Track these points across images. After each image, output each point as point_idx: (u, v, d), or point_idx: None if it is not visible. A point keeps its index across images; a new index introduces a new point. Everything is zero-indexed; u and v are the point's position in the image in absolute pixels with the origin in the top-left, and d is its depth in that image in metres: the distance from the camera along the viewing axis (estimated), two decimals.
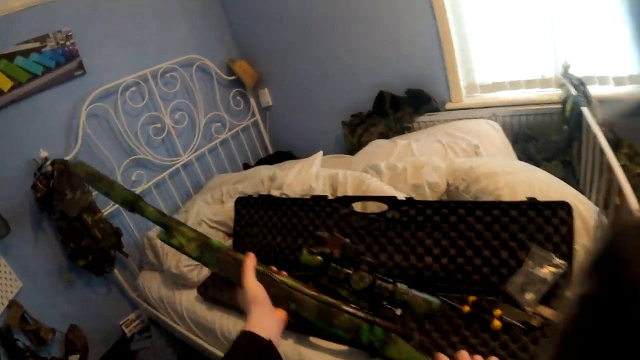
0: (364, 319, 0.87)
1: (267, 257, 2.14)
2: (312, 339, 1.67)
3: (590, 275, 0.36)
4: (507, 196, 1.67)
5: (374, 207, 1.93)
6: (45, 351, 2.27)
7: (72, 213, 2.20)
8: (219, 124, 3.16)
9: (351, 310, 0.88)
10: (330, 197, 2.05)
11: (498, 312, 1.45)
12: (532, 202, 1.57)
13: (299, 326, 1.22)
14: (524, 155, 2.37)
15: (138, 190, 2.63)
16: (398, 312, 0.92)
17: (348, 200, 1.94)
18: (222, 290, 2.06)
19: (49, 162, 2.20)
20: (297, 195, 2.14)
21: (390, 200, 1.82)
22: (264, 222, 2.19)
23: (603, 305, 0.33)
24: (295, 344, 1.71)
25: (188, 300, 2.21)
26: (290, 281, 0.93)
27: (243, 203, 2.28)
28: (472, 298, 1.54)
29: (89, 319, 2.55)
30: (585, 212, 1.57)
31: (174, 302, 2.28)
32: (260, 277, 0.91)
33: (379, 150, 2.58)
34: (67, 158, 2.30)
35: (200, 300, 2.14)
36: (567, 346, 0.36)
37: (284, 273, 0.96)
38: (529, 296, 1.48)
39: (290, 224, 2.09)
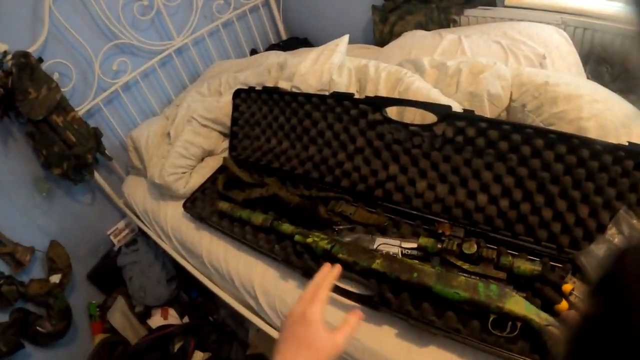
0: (479, 279, 1.07)
1: (269, 166, 1.70)
2: None
3: (593, 296, 0.36)
4: (593, 131, 1.25)
5: (415, 117, 1.45)
6: (24, 274, 2.03)
7: (38, 115, 1.83)
8: (221, 2, 2.58)
9: (466, 273, 1.10)
10: (357, 95, 1.55)
11: (568, 287, 1.05)
12: (634, 150, 1.10)
13: (306, 271, 1.29)
14: (595, 81, 1.81)
15: (122, 81, 2.20)
16: (502, 275, 1.09)
17: (382, 102, 1.43)
18: (213, 207, 1.64)
19: (9, 57, 1.77)
20: (313, 90, 1.66)
21: (442, 111, 1.31)
22: (268, 123, 1.71)
23: (606, 326, 0.33)
24: (298, 289, 1.38)
25: (174, 216, 1.82)
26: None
27: (243, 97, 1.80)
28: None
29: (73, 232, 2.29)
30: None
31: (158, 217, 1.91)
32: (388, 257, 1.18)
33: (417, 43, 2.03)
34: (32, 50, 1.85)
35: (187, 218, 1.75)
36: None
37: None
38: None
39: (301, 126, 1.61)
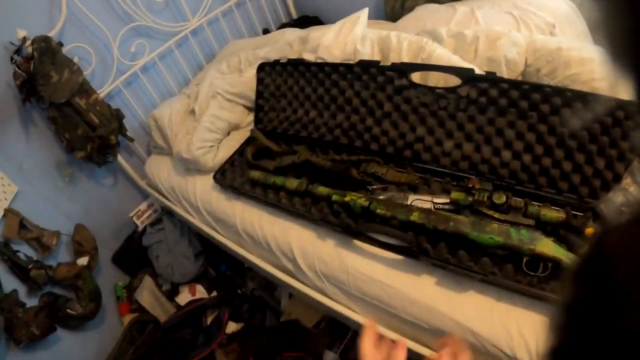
0: (510, 225, 1.16)
1: (297, 135, 1.77)
2: (356, 242, 1.39)
3: (576, 281, 0.35)
4: (605, 92, 1.31)
5: (439, 81, 1.51)
6: (51, 258, 2.07)
7: (61, 98, 1.87)
8: None
9: (498, 221, 1.19)
10: (382, 63, 1.62)
11: (591, 231, 1.14)
12: None
13: (345, 228, 1.37)
14: None
15: (140, 63, 2.26)
16: (531, 222, 1.17)
17: (408, 68, 1.50)
18: (244, 178, 1.72)
19: (28, 43, 1.81)
20: (338, 61, 1.72)
21: (466, 73, 1.39)
22: (294, 94, 1.78)
23: (590, 310, 0.33)
24: (336, 247, 1.43)
25: (203, 189, 1.89)
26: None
27: (267, 70, 1.86)
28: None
29: (96, 215, 2.36)
30: None
31: (186, 192, 1.97)
32: (424, 210, 1.27)
33: (431, 16, 2.08)
34: (51, 34, 1.89)
35: (218, 189, 1.82)
36: (557, 357, 0.37)
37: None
38: None
39: (328, 95, 1.67)
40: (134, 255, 2.50)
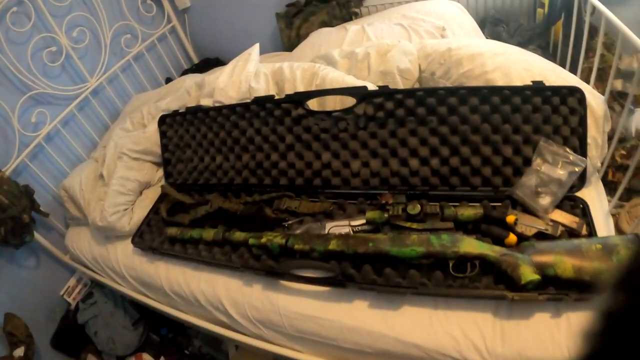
0: (430, 233, 1.14)
1: (207, 184, 1.71)
2: (282, 282, 1.34)
3: (616, 292, 0.35)
4: (500, 81, 1.35)
5: (335, 104, 1.51)
6: None
7: None
8: (129, 36, 2.57)
9: (417, 231, 1.19)
10: (277, 96, 1.60)
11: (512, 218, 1.16)
12: (538, 87, 1.24)
13: (268, 270, 1.31)
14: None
15: (43, 132, 2.14)
16: (450, 225, 1.19)
17: (302, 97, 1.48)
18: (162, 236, 1.63)
19: None
20: (234, 101, 1.69)
21: (359, 91, 1.39)
22: (198, 142, 1.73)
23: (629, 322, 0.33)
24: (264, 291, 1.38)
25: (124, 255, 1.79)
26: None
27: (168, 122, 1.81)
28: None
29: (25, 300, 2.18)
30: (592, 100, 1.26)
31: (109, 260, 1.85)
32: (341, 236, 1.23)
33: (325, 39, 2.12)
34: None
35: (139, 253, 1.72)
36: None
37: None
38: (545, 200, 1.19)
39: (230, 137, 1.64)
40: (73, 335, 2.31)
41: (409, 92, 1.35)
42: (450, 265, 1.10)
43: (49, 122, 2.17)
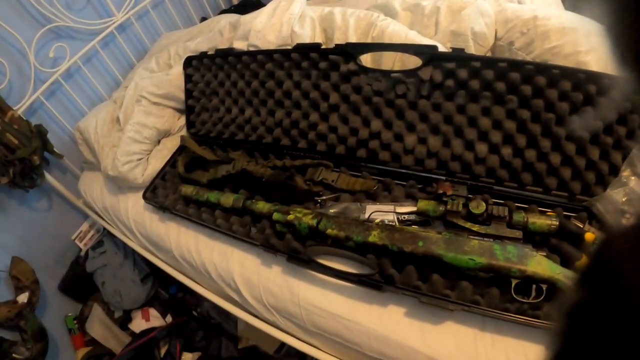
0: (493, 241, 0.89)
1: (233, 139, 1.46)
2: (307, 271, 1.09)
3: (580, 286, 0.35)
4: (594, 66, 1.04)
5: (395, 63, 1.22)
6: None
7: None
8: None
9: (478, 236, 0.91)
10: (324, 46, 1.31)
11: (591, 237, 0.90)
12: None
13: (291, 253, 1.07)
14: None
15: (62, 69, 1.90)
16: (518, 234, 0.91)
17: (355, 49, 1.19)
18: (177, 194, 1.40)
19: None
20: (273, 47, 1.40)
21: (428, 51, 1.09)
22: (226, 90, 1.46)
23: (596, 315, 0.32)
24: (284, 275, 1.14)
25: (135, 209, 1.57)
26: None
27: (195, 65, 1.54)
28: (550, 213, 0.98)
29: (35, 243, 2.03)
30: None
31: (119, 212, 1.65)
32: (385, 227, 0.97)
33: None
34: None
35: (150, 209, 1.50)
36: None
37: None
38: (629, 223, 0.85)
39: (264, 88, 1.36)
40: (82, 281, 2.17)
41: (489, 61, 1.05)
42: (513, 284, 0.86)
43: (69, 58, 1.93)
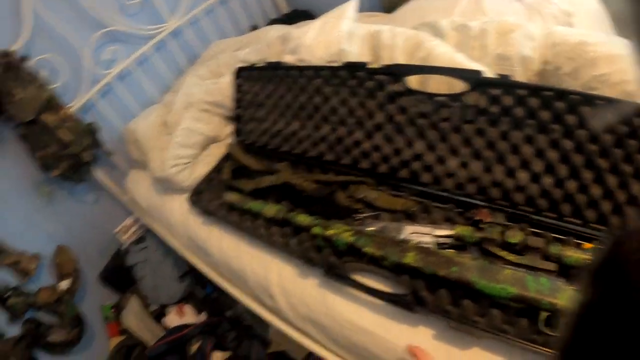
0: (527, 272, 0.90)
1: (278, 150, 1.51)
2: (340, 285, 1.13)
3: (590, 284, 0.35)
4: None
5: (440, 86, 1.24)
6: (31, 283, 1.90)
7: (27, 116, 1.69)
8: None
9: (511, 265, 0.93)
10: (372, 65, 1.34)
11: None
12: None
13: (330, 270, 1.11)
14: None
15: (116, 71, 2.01)
16: (553, 267, 0.92)
17: (402, 71, 1.22)
18: (221, 200, 1.47)
19: None
20: (321, 62, 1.44)
21: (474, 77, 1.11)
22: (274, 102, 1.52)
23: (604, 313, 0.33)
24: (320, 288, 1.18)
25: (180, 211, 1.65)
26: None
27: (245, 75, 1.61)
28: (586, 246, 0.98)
29: (80, 234, 2.16)
30: None
31: (164, 212, 1.74)
32: (421, 249, 1.00)
33: (432, 5, 1.79)
34: (15, 47, 1.69)
35: (194, 213, 1.57)
36: (568, 358, 0.36)
37: None
38: None
39: (311, 103, 1.40)
40: (121, 274, 2.28)
41: (534, 89, 1.05)
42: (543, 317, 0.87)
43: (123, 60, 2.05)
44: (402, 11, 1.90)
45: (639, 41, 0.30)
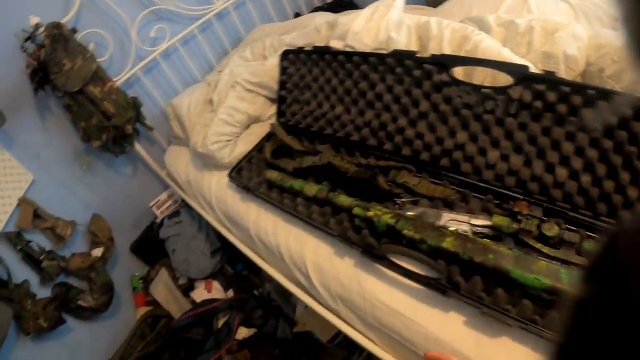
0: (561, 265, 0.92)
1: (320, 133, 1.56)
2: (378, 266, 1.16)
3: (587, 281, 0.35)
4: None
5: (485, 79, 1.27)
6: (65, 248, 1.99)
7: (74, 86, 1.77)
8: None
9: (546, 258, 0.96)
10: (419, 54, 1.38)
11: None
12: None
13: (366, 248, 1.15)
14: None
15: (161, 48, 2.09)
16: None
17: (449, 61, 1.25)
18: (261, 177, 1.53)
19: (41, 29, 1.70)
20: (368, 50, 1.48)
21: (520, 71, 1.13)
22: (319, 86, 1.57)
23: (600, 309, 0.33)
24: (355, 268, 1.22)
25: (218, 186, 1.72)
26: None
27: (291, 58, 1.66)
28: None
29: (115, 204, 2.26)
30: None
31: (202, 187, 1.81)
32: (459, 235, 1.04)
33: (478, 0, 1.82)
34: (65, 20, 1.77)
35: (233, 188, 1.64)
36: (564, 353, 0.36)
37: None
38: None
39: (357, 88, 1.45)
40: (152, 246, 2.38)
41: (578, 87, 1.07)
42: None
43: (168, 39, 2.12)
44: (448, 5, 1.92)
45: (634, 37, 0.30)
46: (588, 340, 0.33)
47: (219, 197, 1.70)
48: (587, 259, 0.37)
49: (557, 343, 0.36)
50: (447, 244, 1.02)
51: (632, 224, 0.34)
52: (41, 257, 1.85)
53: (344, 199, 1.24)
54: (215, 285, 2.25)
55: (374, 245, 1.14)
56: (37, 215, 1.88)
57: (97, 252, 2.06)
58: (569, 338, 0.36)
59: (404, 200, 1.23)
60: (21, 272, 1.80)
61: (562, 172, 1.09)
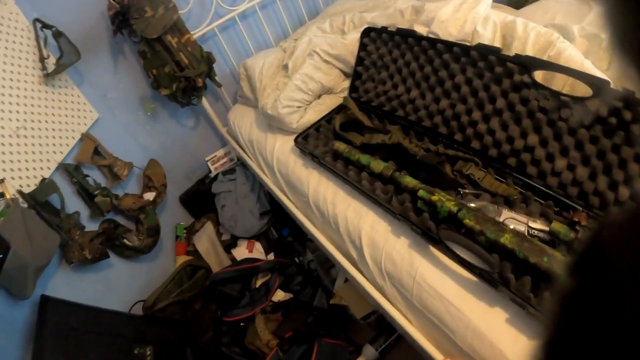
0: None
1: (392, 113, 1.63)
2: (432, 249, 1.24)
3: (572, 274, 0.36)
4: None
5: (563, 87, 1.31)
6: (119, 187, 2.13)
7: (152, 34, 1.86)
8: None
9: None
10: (503, 52, 1.43)
11: None
12: None
13: (425, 231, 1.22)
14: None
15: (240, 9, 2.18)
16: None
17: (533, 63, 1.29)
18: (327, 147, 1.62)
19: None
20: (453, 40, 1.53)
21: (600, 85, 1.17)
22: (397, 68, 1.63)
23: (585, 302, 0.33)
24: (409, 248, 1.29)
25: (281, 149, 1.82)
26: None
27: (373, 36, 1.72)
28: None
29: (172, 153, 2.39)
30: None
31: (264, 148, 1.91)
32: (517, 234, 1.08)
33: (563, 8, 1.84)
34: None
35: (296, 154, 1.74)
36: (551, 349, 0.37)
37: None
38: None
39: (436, 75, 1.51)
40: (201, 199, 2.52)
41: None
42: None
43: (248, 1, 2.20)
44: (532, 8, 1.95)
45: (616, 39, 0.31)
46: (574, 334, 0.34)
47: (281, 160, 1.80)
48: (573, 252, 0.37)
49: (545, 337, 0.37)
50: (505, 239, 1.08)
51: (617, 216, 0.35)
52: (95, 192, 1.93)
53: (409, 180, 1.32)
54: (257, 246, 2.37)
55: (432, 229, 1.21)
56: (97, 152, 1.99)
57: (149, 195, 2.18)
58: (556, 332, 0.37)
59: (467, 191, 1.30)
60: (74, 204, 1.88)
61: (624, 192, 1.13)
